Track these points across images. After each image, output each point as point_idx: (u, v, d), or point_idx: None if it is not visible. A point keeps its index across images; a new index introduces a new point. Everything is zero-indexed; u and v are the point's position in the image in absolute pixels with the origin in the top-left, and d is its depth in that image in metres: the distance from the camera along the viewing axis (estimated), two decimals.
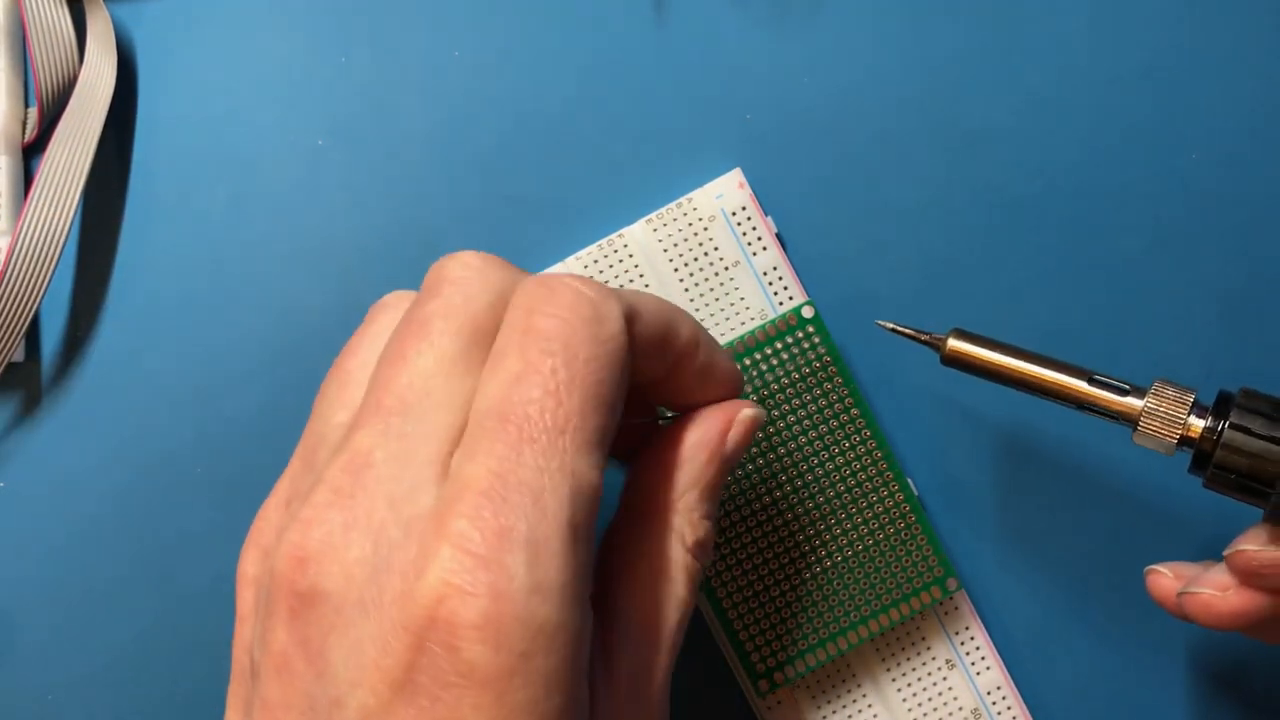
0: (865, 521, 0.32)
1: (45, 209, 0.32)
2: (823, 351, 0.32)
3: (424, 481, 0.22)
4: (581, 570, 0.22)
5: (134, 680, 0.34)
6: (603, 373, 0.23)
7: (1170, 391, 0.27)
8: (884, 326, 0.30)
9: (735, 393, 0.28)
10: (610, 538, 0.26)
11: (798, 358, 0.32)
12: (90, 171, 0.32)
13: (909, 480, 0.32)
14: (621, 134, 0.33)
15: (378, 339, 0.25)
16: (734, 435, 0.27)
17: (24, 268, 0.31)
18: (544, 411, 0.22)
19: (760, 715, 0.32)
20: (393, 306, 0.26)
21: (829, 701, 0.33)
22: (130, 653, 0.34)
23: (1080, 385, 0.27)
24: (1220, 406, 0.27)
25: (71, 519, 0.33)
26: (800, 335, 0.32)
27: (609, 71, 0.33)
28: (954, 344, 0.28)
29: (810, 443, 0.32)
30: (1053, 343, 0.33)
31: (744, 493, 0.32)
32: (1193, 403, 0.27)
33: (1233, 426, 0.26)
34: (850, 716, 0.33)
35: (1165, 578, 0.29)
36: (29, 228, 0.31)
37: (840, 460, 0.32)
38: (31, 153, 0.33)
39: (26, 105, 0.33)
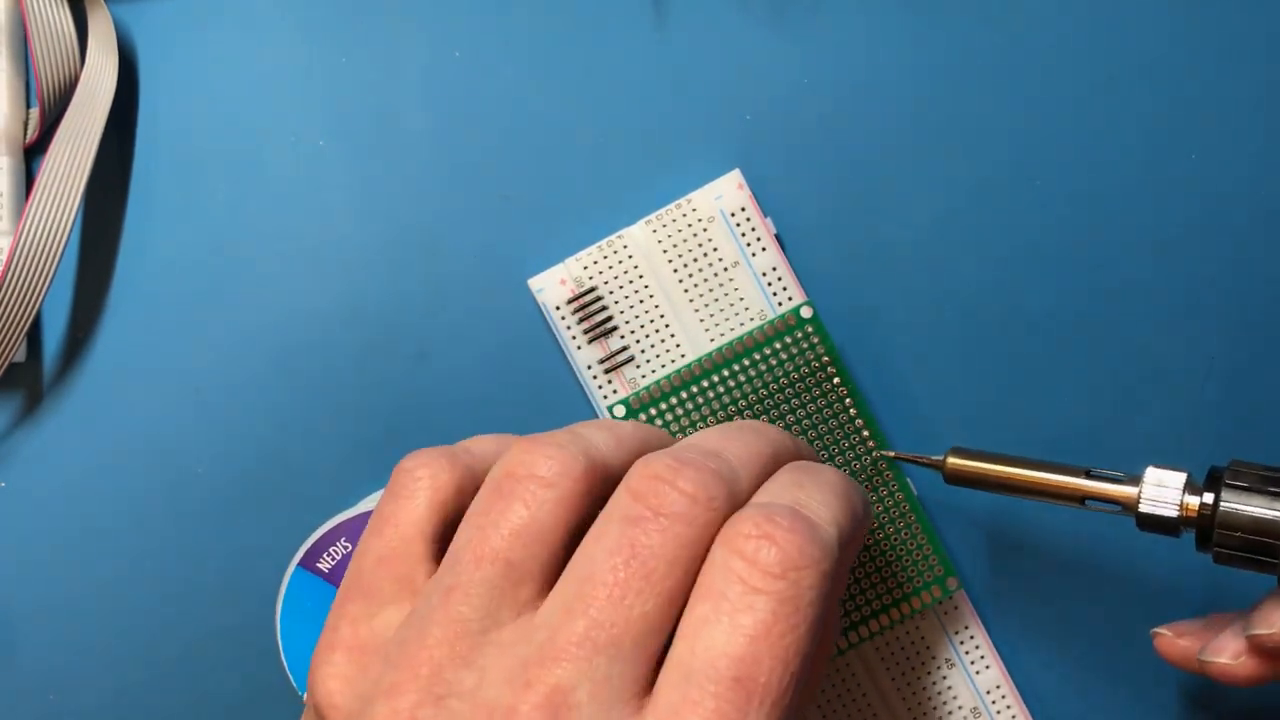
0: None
1: (47, 209, 0.32)
2: (821, 352, 0.32)
3: None
4: None
5: (134, 680, 0.34)
6: (816, 632, 0.22)
7: (1162, 475, 0.28)
8: (886, 456, 0.32)
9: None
10: None
11: (796, 358, 0.32)
12: (91, 172, 0.32)
13: (908, 480, 0.32)
14: (621, 134, 0.33)
15: (548, 527, 0.24)
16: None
17: (26, 268, 0.32)
18: (772, 676, 0.21)
19: None
20: (551, 485, 0.24)
21: (828, 700, 0.33)
22: (131, 652, 0.34)
23: (1079, 482, 0.28)
24: (1212, 483, 0.27)
25: (72, 519, 0.34)
26: (799, 335, 0.32)
27: (609, 72, 0.33)
28: (954, 462, 0.30)
29: (810, 442, 0.32)
30: (1048, 335, 0.33)
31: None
32: (1185, 482, 0.27)
33: (1225, 502, 0.27)
34: (850, 715, 0.33)
35: (1169, 639, 0.30)
36: (31, 228, 0.31)
37: (840, 460, 0.32)
38: (33, 153, 0.34)
39: (28, 106, 0.33)
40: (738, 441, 0.26)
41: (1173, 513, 0.27)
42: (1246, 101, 0.33)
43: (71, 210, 0.32)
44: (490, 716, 0.21)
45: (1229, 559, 0.27)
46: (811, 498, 0.25)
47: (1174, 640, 0.30)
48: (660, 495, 0.23)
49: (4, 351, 0.32)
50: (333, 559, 0.30)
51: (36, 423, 0.34)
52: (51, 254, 0.32)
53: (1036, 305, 0.33)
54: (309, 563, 0.31)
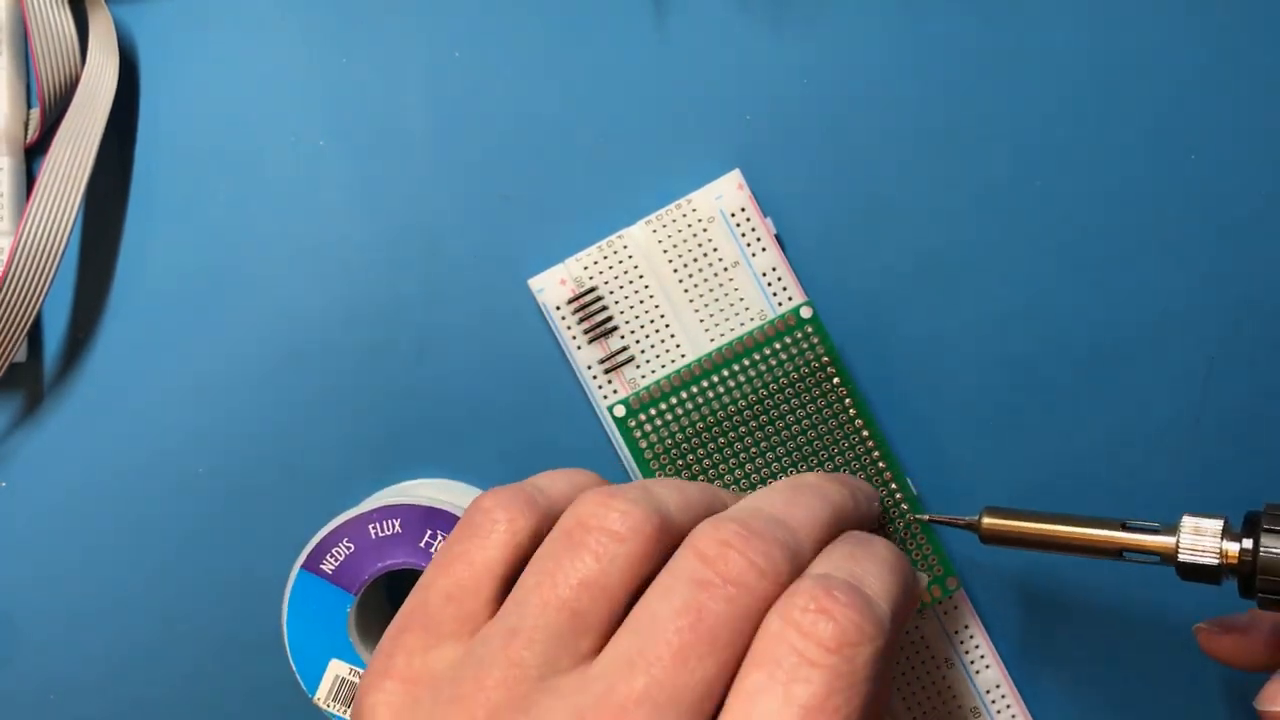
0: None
1: (47, 210, 0.32)
2: (821, 352, 0.32)
3: None
4: None
5: (135, 680, 0.34)
6: (876, 688, 0.23)
7: (1199, 523, 0.27)
8: (920, 519, 0.32)
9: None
10: None
11: (796, 358, 0.32)
12: (92, 172, 0.32)
13: (908, 480, 0.32)
14: (621, 135, 0.33)
15: (615, 581, 0.24)
16: None
17: (26, 268, 0.32)
18: None
19: None
20: (607, 538, 0.24)
21: None
22: (131, 652, 0.34)
23: (1117, 535, 0.28)
24: (1250, 527, 0.27)
25: (72, 519, 0.34)
26: (799, 335, 0.32)
27: (609, 73, 0.34)
28: (989, 522, 0.29)
29: (810, 442, 0.32)
30: (1047, 332, 0.33)
31: (744, 493, 0.32)
32: (1223, 528, 0.27)
33: (1265, 547, 0.26)
34: None
35: (1213, 635, 0.30)
36: (31, 228, 0.31)
37: (839, 460, 0.32)
38: (34, 154, 0.34)
39: (29, 106, 0.33)
40: (803, 508, 0.26)
41: (1213, 560, 0.27)
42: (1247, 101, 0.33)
43: (72, 210, 0.32)
44: None
45: (1272, 603, 0.27)
46: (868, 572, 0.25)
47: (1219, 636, 0.30)
48: (729, 562, 0.23)
49: (4, 351, 0.32)
50: (336, 560, 0.30)
51: (36, 423, 0.34)
52: (52, 254, 0.32)
53: (1037, 303, 0.33)
54: (312, 565, 0.31)
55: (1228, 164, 0.33)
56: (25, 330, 0.32)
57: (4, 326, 0.32)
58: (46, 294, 0.32)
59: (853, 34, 0.33)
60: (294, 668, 0.31)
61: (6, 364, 0.32)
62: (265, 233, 0.34)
